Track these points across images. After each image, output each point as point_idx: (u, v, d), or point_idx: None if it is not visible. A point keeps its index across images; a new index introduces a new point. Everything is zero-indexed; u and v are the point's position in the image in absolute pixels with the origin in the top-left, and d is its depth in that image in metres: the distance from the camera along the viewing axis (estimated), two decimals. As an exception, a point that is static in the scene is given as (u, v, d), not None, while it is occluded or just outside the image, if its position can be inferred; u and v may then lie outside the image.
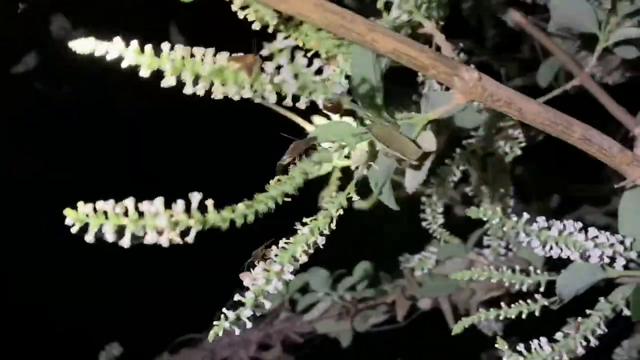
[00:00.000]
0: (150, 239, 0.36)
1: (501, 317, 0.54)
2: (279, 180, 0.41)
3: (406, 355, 1.11)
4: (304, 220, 0.45)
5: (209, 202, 0.38)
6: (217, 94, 0.36)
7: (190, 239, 0.37)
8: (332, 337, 0.97)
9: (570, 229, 0.46)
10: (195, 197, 0.37)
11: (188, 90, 0.35)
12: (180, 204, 0.37)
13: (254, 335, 0.99)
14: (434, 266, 0.83)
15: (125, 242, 0.36)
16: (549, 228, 0.46)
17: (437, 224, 0.78)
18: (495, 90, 0.43)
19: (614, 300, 0.54)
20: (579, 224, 0.47)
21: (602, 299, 0.54)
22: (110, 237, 0.35)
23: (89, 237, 0.35)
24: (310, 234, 0.44)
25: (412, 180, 0.44)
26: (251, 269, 0.46)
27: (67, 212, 0.35)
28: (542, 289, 0.55)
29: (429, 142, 0.43)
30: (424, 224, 0.77)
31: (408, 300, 0.87)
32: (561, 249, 0.47)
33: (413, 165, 0.43)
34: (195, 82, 0.35)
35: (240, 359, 0.97)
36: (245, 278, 0.46)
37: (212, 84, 0.35)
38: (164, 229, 0.36)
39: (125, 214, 0.36)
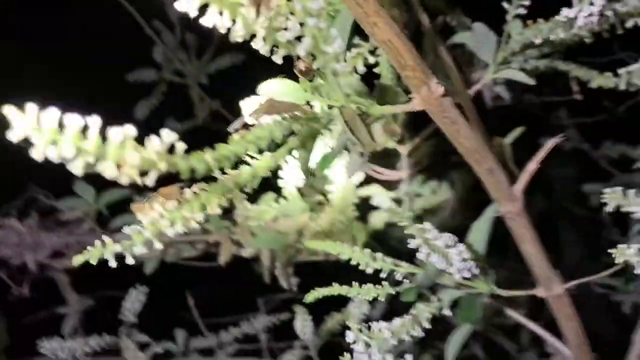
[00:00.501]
0: (108, 170, 0.30)
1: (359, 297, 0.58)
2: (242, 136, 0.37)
3: (201, 292, 1.12)
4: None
5: (180, 145, 0.33)
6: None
7: (149, 181, 0.32)
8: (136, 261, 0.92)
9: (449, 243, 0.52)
10: (169, 135, 0.32)
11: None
12: (154, 140, 0.32)
13: (50, 240, 0.89)
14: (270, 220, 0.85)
15: (77, 169, 0.30)
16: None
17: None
18: (448, 108, 0.46)
19: (443, 299, 0.62)
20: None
21: (434, 297, 0.62)
22: (64, 156, 0.29)
23: (37, 154, 0.28)
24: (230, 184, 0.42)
25: (353, 166, 0.44)
26: (151, 205, 0.42)
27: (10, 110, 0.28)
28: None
29: (379, 135, 0.44)
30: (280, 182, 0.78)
31: (234, 244, 0.87)
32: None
33: (360, 153, 0.43)
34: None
35: (24, 261, 0.86)
36: (141, 212, 0.42)
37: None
38: (127, 163, 0.31)
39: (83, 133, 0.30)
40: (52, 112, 0.29)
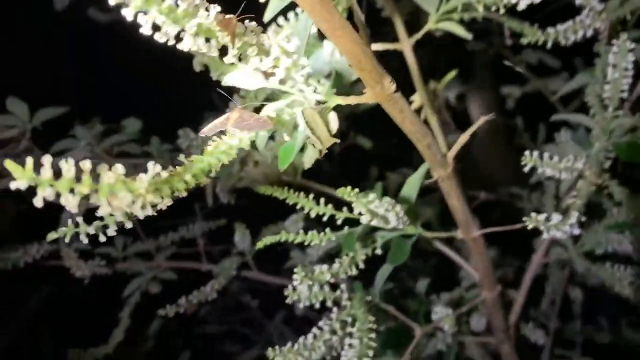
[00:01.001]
0: (103, 207, 0.33)
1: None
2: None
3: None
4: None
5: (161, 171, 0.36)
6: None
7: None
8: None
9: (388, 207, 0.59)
10: (154, 168, 0.35)
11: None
12: (143, 177, 0.34)
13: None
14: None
15: (74, 207, 0.32)
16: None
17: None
18: (398, 101, 0.50)
19: (377, 241, 0.70)
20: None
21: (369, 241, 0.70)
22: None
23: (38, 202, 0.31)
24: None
25: (311, 157, 0.48)
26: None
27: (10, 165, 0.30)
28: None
29: (333, 122, 0.48)
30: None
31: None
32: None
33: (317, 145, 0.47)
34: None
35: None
36: None
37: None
38: (118, 201, 0.33)
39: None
40: (47, 159, 0.31)
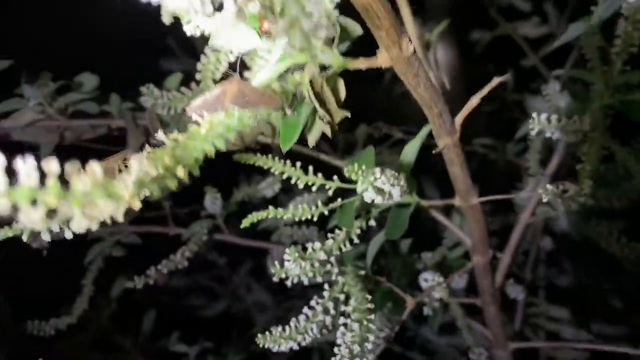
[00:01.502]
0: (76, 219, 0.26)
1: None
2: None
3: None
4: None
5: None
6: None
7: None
8: (30, 144, 0.83)
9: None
10: (140, 165, 0.28)
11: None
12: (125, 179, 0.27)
13: None
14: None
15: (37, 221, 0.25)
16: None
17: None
18: (414, 63, 0.43)
19: (372, 211, 0.65)
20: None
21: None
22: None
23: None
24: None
25: (317, 133, 0.41)
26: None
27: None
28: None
29: (342, 91, 0.41)
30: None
31: (142, 134, 0.80)
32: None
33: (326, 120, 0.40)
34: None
35: None
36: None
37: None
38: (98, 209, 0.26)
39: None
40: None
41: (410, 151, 0.63)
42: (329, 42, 0.41)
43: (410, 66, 0.42)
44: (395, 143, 1.35)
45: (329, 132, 0.39)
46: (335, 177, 0.64)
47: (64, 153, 0.91)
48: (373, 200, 0.55)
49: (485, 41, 1.85)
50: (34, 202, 0.24)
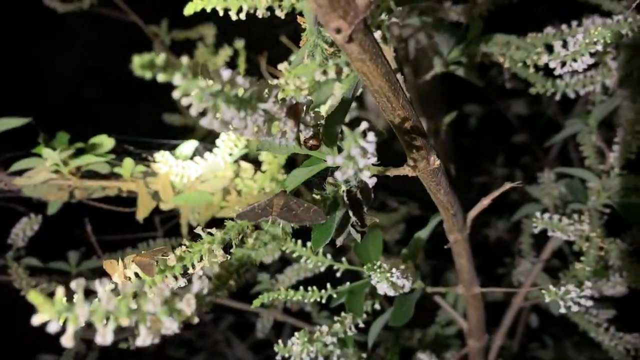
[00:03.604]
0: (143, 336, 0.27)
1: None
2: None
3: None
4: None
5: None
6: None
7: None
8: (37, 201, 0.84)
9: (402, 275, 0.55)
10: (201, 284, 0.30)
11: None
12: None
13: None
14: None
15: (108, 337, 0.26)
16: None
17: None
18: (439, 175, 0.46)
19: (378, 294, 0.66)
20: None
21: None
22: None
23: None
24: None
25: (344, 235, 0.43)
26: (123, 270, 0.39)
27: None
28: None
29: (371, 196, 0.43)
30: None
31: (153, 200, 0.82)
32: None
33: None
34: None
35: None
36: (112, 271, 0.39)
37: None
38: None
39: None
40: (79, 284, 0.25)
41: (418, 242, 0.65)
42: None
43: (435, 176, 0.45)
44: (391, 211, 1.38)
45: (358, 238, 0.41)
46: (344, 259, 0.67)
47: (70, 210, 0.92)
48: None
49: (477, 115, 1.91)
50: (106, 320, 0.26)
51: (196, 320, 0.28)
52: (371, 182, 0.35)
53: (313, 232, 0.42)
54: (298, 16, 0.38)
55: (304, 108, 0.32)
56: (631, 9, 0.61)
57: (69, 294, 0.26)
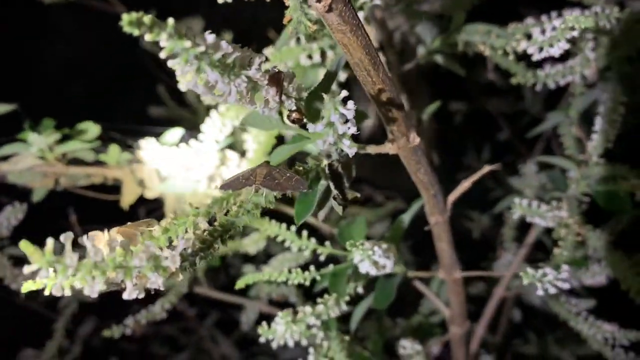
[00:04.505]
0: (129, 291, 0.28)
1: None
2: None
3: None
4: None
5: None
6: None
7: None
8: (22, 188, 0.84)
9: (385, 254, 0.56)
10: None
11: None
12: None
13: None
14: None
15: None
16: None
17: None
18: (418, 152, 0.47)
19: (359, 279, 0.67)
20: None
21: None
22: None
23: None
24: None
25: (327, 209, 0.44)
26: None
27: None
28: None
29: (352, 172, 0.44)
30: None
31: (138, 186, 0.82)
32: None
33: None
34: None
35: None
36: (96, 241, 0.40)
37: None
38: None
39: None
40: (68, 237, 0.25)
41: (401, 224, 0.66)
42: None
43: (414, 154, 0.46)
44: (377, 205, 1.40)
45: (340, 210, 0.42)
46: (327, 242, 0.68)
47: (55, 198, 0.92)
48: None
49: (462, 113, 1.93)
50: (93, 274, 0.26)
51: (180, 277, 0.29)
52: (351, 152, 0.36)
53: (296, 205, 0.43)
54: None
55: (287, 78, 0.33)
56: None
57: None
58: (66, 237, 0.25)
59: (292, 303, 1.21)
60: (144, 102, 1.50)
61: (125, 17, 0.23)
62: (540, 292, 0.58)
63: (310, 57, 0.58)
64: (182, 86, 0.27)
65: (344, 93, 0.31)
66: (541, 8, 0.76)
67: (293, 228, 0.66)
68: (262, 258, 1.24)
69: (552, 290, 0.59)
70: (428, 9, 0.72)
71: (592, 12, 0.66)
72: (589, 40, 0.73)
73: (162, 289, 0.29)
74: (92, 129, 0.82)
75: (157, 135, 0.87)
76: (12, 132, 0.81)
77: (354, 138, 0.39)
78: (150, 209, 1.22)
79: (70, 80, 1.46)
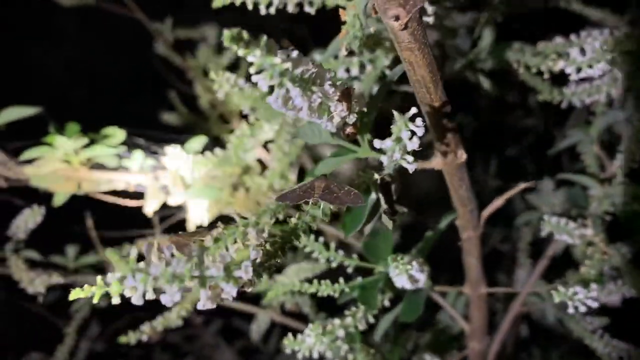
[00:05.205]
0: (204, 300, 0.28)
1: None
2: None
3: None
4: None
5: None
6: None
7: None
8: (43, 191, 0.84)
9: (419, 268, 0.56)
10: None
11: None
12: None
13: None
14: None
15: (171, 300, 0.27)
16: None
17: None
18: (462, 168, 0.47)
19: (386, 292, 0.67)
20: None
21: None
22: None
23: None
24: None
25: (371, 223, 0.45)
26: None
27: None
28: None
29: (398, 188, 0.45)
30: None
31: (162, 192, 0.82)
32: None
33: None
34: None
35: None
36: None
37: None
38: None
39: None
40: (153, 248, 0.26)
41: (429, 239, 0.66)
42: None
43: (459, 171, 0.47)
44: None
45: (389, 224, 0.42)
46: (355, 255, 0.68)
47: (67, 204, 0.91)
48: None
49: (471, 127, 1.93)
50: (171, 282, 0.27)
51: (251, 288, 0.29)
52: (411, 167, 0.36)
53: (345, 217, 0.43)
54: (340, 9, 0.40)
55: (355, 93, 0.33)
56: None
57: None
58: (148, 248, 0.25)
59: (306, 314, 1.20)
60: (154, 107, 1.50)
61: (227, 34, 0.23)
62: (571, 310, 0.59)
63: (347, 70, 0.58)
64: (269, 99, 0.28)
65: (414, 110, 0.31)
66: (552, 27, 0.77)
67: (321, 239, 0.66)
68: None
69: (583, 309, 0.59)
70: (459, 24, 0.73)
71: (621, 32, 0.67)
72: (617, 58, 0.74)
73: (231, 299, 0.29)
74: (117, 134, 0.83)
75: (169, 141, 0.87)
76: (32, 136, 0.81)
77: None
78: (163, 215, 1.22)
79: (78, 86, 1.46)
